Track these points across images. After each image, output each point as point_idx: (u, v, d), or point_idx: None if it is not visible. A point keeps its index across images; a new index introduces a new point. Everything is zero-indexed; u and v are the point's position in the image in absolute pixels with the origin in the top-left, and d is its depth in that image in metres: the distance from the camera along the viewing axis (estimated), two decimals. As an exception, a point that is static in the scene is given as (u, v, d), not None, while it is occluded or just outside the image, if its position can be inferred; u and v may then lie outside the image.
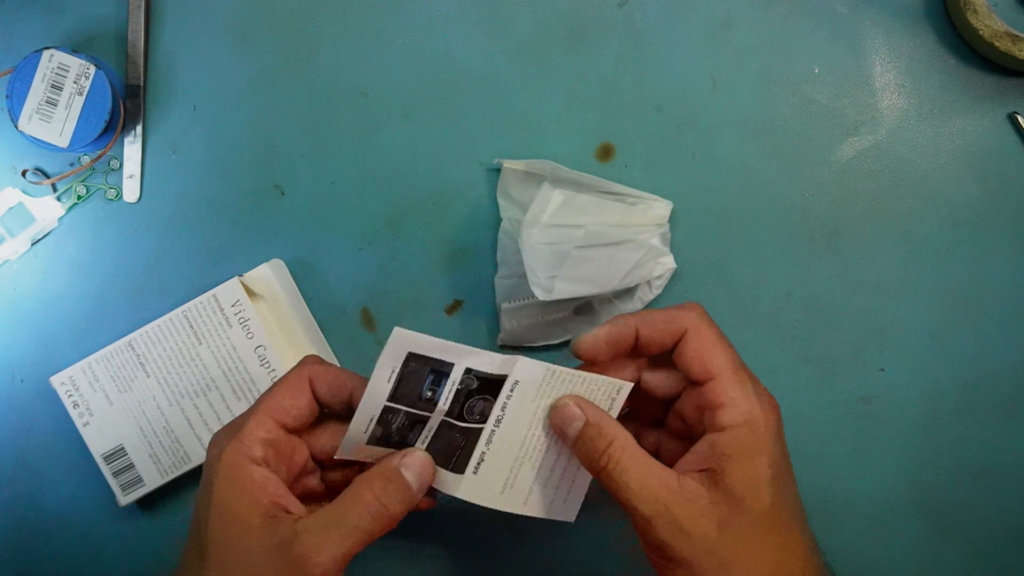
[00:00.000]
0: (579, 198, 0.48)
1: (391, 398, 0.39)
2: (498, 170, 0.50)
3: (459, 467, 0.40)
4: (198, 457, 0.49)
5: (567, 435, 0.39)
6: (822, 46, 0.51)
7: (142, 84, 0.51)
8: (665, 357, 0.40)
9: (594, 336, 0.39)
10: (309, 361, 0.41)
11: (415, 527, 0.49)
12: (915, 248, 0.50)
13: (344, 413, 0.41)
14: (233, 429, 0.39)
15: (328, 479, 0.43)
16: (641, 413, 0.43)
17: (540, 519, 0.41)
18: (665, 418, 0.42)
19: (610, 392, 0.40)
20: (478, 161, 0.51)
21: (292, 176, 0.51)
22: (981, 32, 0.48)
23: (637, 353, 0.40)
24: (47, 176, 0.51)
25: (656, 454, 0.39)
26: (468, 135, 0.51)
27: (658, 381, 0.41)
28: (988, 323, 0.50)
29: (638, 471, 0.36)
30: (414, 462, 0.39)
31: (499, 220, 0.50)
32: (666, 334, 0.38)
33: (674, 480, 0.36)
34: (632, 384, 0.40)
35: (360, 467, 0.40)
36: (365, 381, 0.39)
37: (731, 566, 0.35)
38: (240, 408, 0.49)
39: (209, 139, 0.51)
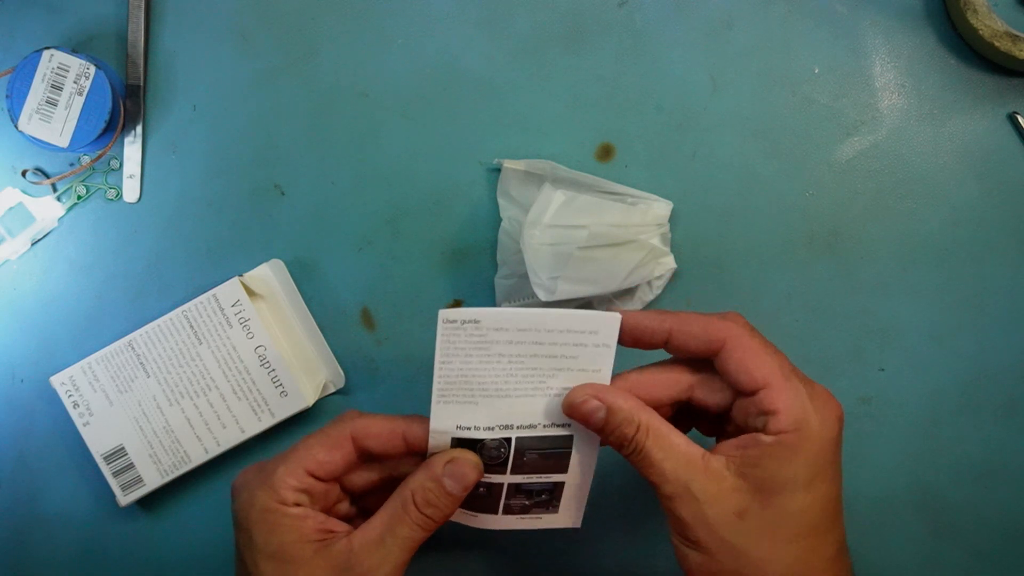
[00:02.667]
0: (580, 199, 0.48)
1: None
2: (498, 170, 0.50)
3: (492, 509, 0.40)
4: (198, 457, 0.49)
5: (591, 425, 0.38)
6: (822, 46, 0.51)
7: (142, 84, 0.51)
8: (709, 368, 0.38)
9: (621, 318, 0.37)
10: (350, 416, 0.40)
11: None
12: (915, 248, 0.50)
13: (401, 459, 0.41)
14: (264, 476, 0.38)
15: (360, 504, 0.43)
16: (699, 426, 0.42)
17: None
18: (723, 428, 0.41)
19: (600, 325, 0.38)
20: (478, 161, 0.51)
21: (292, 176, 0.51)
22: (981, 32, 0.48)
23: (669, 350, 0.39)
24: (47, 176, 0.51)
25: None
26: (468, 135, 0.51)
27: (709, 395, 0.39)
28: (988, 323, 0.50)
29: (662, 451, 0.36)
30: (456, 469, 0.38)
31: (499, 220, 0.50)
32: (702, 342, 0.37)
33: (699, 458, 0.36)
34: (619, 315, 0.38)
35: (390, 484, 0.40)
36: (411, 421, 0.39)
37: (743, 557, 0.35)
38: (240, 407, 0.49)
39: (209, 139, 0.51)
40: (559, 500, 0.41)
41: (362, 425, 0.40)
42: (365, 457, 0.40)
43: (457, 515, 0.41)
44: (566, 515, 0.41)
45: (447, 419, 0.39)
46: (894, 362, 0.50)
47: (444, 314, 0.37)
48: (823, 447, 0.36)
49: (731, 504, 0.35)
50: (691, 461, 0.36)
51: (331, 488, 0.40)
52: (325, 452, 0.39)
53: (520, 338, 0.37)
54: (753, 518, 0.35)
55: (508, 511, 0.41)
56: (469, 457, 0.39)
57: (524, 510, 0.41)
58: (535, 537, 0.50)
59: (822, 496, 0.36)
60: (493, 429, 0.39)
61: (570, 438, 0.39)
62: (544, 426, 0.39)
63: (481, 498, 0.40)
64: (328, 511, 0.40)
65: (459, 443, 0.39)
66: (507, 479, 0.40)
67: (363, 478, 0.41)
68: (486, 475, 0.40)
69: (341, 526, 0.38)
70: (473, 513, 0.41)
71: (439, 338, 0.37)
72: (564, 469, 0.40)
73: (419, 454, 0.40)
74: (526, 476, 0.40)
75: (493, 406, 0.38)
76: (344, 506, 0.42)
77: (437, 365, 0.38)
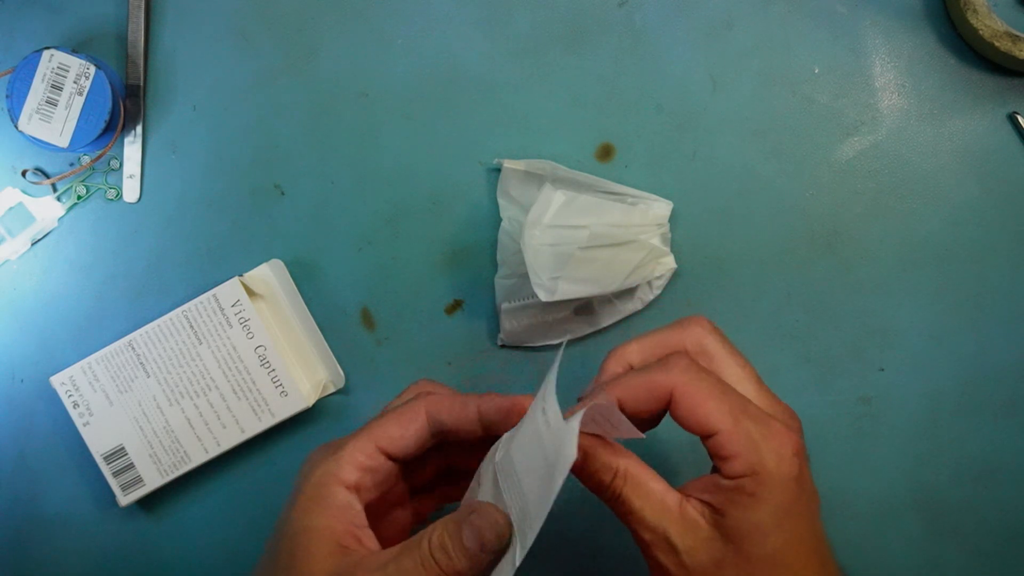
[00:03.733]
0: (580, 199, 0.48)
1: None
2: (498, 170, 0.50)
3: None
4: (198, 457, 0.49)
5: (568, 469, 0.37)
6: (822, 46, 0.51)
7: (142, 84, 0.51)
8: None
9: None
10: (423, 386, 0.39)
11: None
12: (915, 248, 0.50)
13: (471, 438, 0.38)
14: (332, 448, 0.37)
15: (421, 510, 0.42)
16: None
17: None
18: None
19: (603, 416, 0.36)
20: (478, 161, 0.51)
21: (292, 176, 0.51)
22: (981, 32, 0.48)
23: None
24: (47, 176, 0.51)
25: None
26: (468, 135, 0.51)
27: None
28: (988, 323, 0.50)
29: (640, 499, 0.35)
30: (476, 522, 0.35)
31: (499, 220, 0.50)
32: (651, 401, 0.36)
33: (675, 506, 0.35)
34: (615, 404, 0.36)
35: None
36: (485, 397, 0.37)
37: None
38: (240, 407, 0.49)
39: (209, 139, 0.51)
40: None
41: (436, 399, 0.38)
42: (438, 435, 0.38)
43: None
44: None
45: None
46: (894, 362, 0.50)
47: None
48: (784, 487, 0.35)
49: (708, 554, 0.35)
50: (668, 509, 0.35)
51: (393, 475, 0.38)
52: (399, 427, 0.37)
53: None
54: (729, 567, 0.35)
55: None
56: (494, 515, 0.35)
57: None
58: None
59: (794, 536, 0.35)
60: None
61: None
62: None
63: None
64: (389, 509, 0.39)
65: None
66: None
67: (431, 467, 0.40)
68: None
69: (372, 543, 0.36)
70: None
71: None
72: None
73: (495, 437, 0.37)
74: None
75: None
76: (404, 514, 0.41)
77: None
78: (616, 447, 0.37)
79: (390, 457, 0.38)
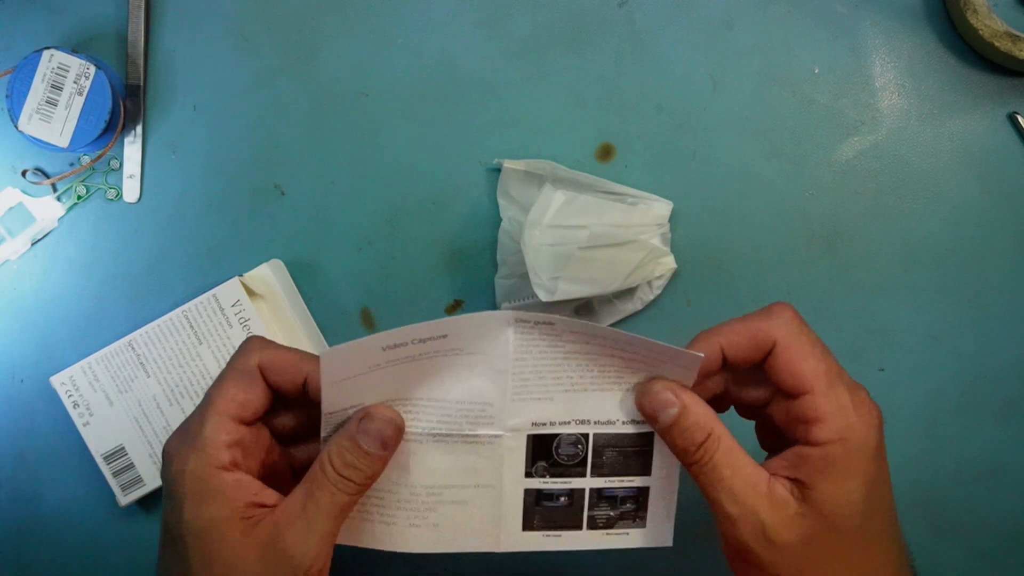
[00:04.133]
0: (580, 199, 0.48)
1: None
2: (498, 170, 0.50)
3: (575, 523, 0.39)
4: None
5: (658, 421, 0.36)
6: (822, 46, 0.51)
7: (142, 84, 0.51)
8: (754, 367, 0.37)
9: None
10: (256, 346, 0.37)
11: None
12: (915, 248, 0.50)
13: (298, 397, 0.38)
14: (190, 437, 0.36)
15: (296, 457, 0.40)
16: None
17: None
18: (755, 417, 0.40)
19: (683, 363, 0.36)
20: (478, 161, 0.51)
21: (292, 176, 0.51)
22: (981, 32, 0.48)
23: (726, 369, 0.37)
24: (47, 176, 0.51)
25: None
26: (468, 135, 0.51)
27: (746, 393, 0.38)
28: (988, 323, 0.50)
29: (730, 468, 0.35)
30: (370, 426, 0.35)
31: (499, 220, 0.50)
32: (754, 349, 0.36)
33: (764, 484, 0.35)
34: (702, 355, 0.36)
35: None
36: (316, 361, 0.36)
37: None
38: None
39: (209, 139, 0.51)
40: (646, 510, 0.39)
41: (268, 356, 0.37)
42: (278, 392, 0.38)
43: (539, 541, 0.39)
44: (655, 530, 0.39)
45: (522, 415, 0.38)
46: (894, 362, 0.50)
47: (517, 315, 0.36)
48: (871, 456, 0.35)
49: (798, 531, 0.34)
50: (757, 485, 0.35)
51: (261, 434, 0.38)
52: (242, 391, 0.36)
53: (596, 343, 0.36)
54: (819, 542, 0.34)
55: (592, 525, 0.39)
56: (385, 412, 0.36)
57: (609, 523, 0.39)
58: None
59: (879, 508, 0.36)
60: (569, 423, 0.38)
61: (651, 436, 0.38)
62: (623, 422, 0.38)
63: (563, 510, 0.39)
64: (267, 466, 0.38)
65: (536, 440, 0.38)
66: (588, 483, 0.39)
67: (291, 419, 0.39)
68: (568, 480, 0.38)
69: (273, 497, 0.36)
70: (556, 532, 0.40)
71: (513, 339, 0.36)
72: (647, 471, 0.39)
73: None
74: (607, 480, 0.39)
75: (569, 400, 0.38)
76: (277, 457, 0.39)
77: (512, 364, 0.37)
78: (712, 412, 0.36)
79: (245, 422, 0.37)
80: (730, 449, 0.35)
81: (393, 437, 0.36)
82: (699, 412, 0.36)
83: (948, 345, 0.50)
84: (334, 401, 0.36)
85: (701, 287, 0.51)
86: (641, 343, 0.36)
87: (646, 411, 0.37)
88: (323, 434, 0.37)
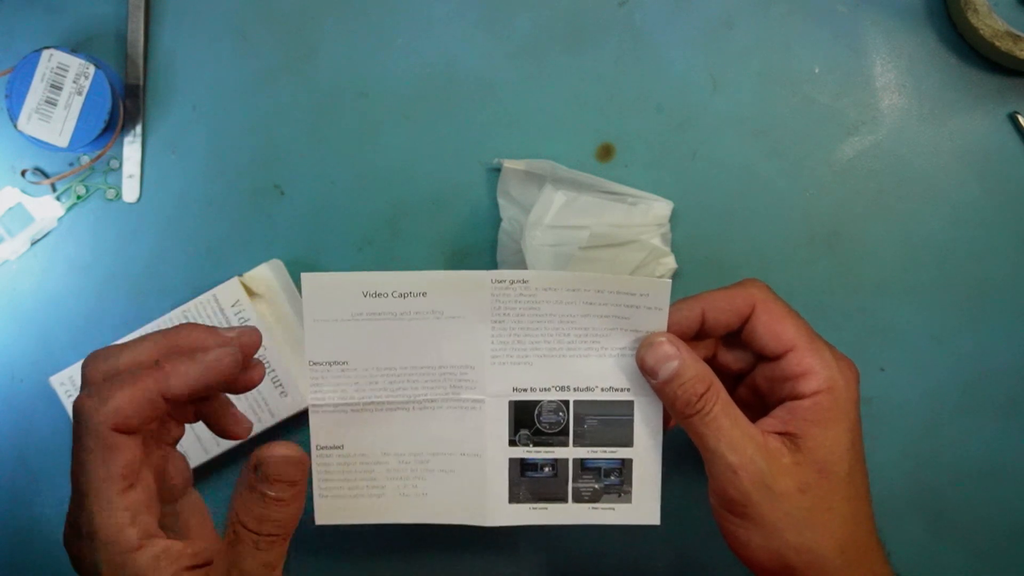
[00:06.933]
0: (581, 199, 0.48)
1: None
2: (498, 170, 0.50)
3: (560, 495, 0.40)
4: (198, 457, 0.49)
5: (657, 374, 0.37)
6: (822, 46, 0.51)
7: (142, 84, 0.51)
8: (733, 335, 0.39)
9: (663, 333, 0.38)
10: (95, 404, 0.33)
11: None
12: (915, 248, 0.50)
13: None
14: (86, 536, 0.32)
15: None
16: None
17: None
18: (735, 390, 0.41)
19: (651, 289, 0.38)
20: (478, 161, 0.51)
21: (292, 176, 0.51)
22: (982, 32, 0.48)
23: (704, 335, 0.39)
24: (46, 176, 0.51)
25: None
26: (468, 135, 0.51)
27: (732, 358, 0.40)
28: (988, 323, 0.50)
29: (729, 419, 0.36)
30: (271, 471, 0.32)
31: (499, 220, 0.50)
32: (733, 313, 0.38)
33: (759, 435, 0.36)
34: (669, 281, 0.37)
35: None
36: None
37: (807, 531, 0.35)
38: (240, 408, 0.48)
39: (209, 139, 0.51)
40: (631, 486, 0.40)
41: (115, 404, 0.32)
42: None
43: (526, 514, 0.40)
44: (641, 506, 0.40)
45: (502, 381, 0.39)
46: (894, 362, 0.50)
47: (493, 274, 0.37)
48: (854, 407, 0.37)
49: (794, 479, 0.35)
50: (754, 436, 0.36)
51: (146, 462, 0.34)
52: (114, 462, 0.32)
53: (570, 298, 0.38)
54: (814, 490, 0.36)
55: (578, 498, 0.40)
56: (277, 451, 0.32)
57: (594, 497, 0.40)
58: (533, 532, 0.50)
59: (861, 458, 0.37)
60: (549, 390, 0.39)
61: (631, 404, 0.39)
62: (602, 389, 0.39)
63: (548, 482, 0.40)
64: (161, 469, 0.36)
65: (518, 407, 0.39)
66: (571, 452, 0.40)
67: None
68: (551, 449, 0.39)
69: (199, 545, 0.33)
70: (543, 505, 0.40)
71: (490, 298, 0.38)
72: (630, 441, 0.40)
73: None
74: (590, 449, 0.40)
75: (548, 366, 0.39)
76: (176, 431, 0.37)
77: (490, 325, 0.38)
78: (707, 366, 0.37)
79: (133, 479, 0.33)
80: (728, 401, 0.37)
81: (298, 470, 0.32)
82: (698, 365, 0.37)
83: (948, 345, 0.50)
84: (319, 345, 0.37)
85: (701, 287, 0.50)
86: (609, 281, 0.37)
87: (647, 365, 0.38)
88: (311, 388, 0.38)
